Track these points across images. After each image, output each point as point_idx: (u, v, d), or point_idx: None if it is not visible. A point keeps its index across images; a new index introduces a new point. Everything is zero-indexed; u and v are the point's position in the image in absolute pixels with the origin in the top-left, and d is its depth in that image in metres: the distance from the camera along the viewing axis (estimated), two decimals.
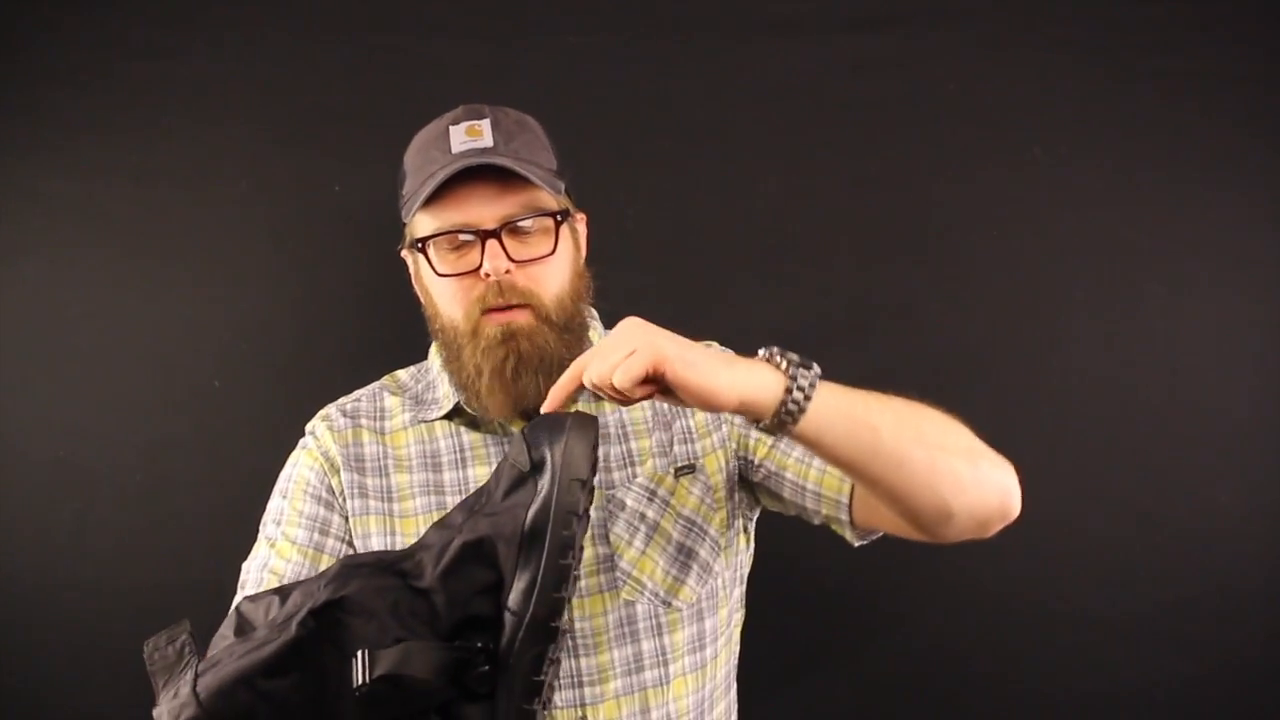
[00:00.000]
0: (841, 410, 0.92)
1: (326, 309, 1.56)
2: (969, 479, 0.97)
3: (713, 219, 1.57)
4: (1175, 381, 1.56)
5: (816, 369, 0.91)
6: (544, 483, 0.84)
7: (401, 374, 1.23)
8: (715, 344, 1.20)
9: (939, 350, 1.57)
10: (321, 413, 1.18)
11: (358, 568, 0.84)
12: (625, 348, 0.89)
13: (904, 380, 1.56)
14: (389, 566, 0.85)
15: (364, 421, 1.16)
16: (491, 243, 1.06)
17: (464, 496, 1.10)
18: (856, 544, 1.13)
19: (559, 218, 1.09)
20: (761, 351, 0.93)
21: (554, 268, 1.09)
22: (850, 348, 1.58)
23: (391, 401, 1.18)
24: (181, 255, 1.55)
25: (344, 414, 1.17)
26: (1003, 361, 1.57)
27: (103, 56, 1.55)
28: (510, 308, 1.07)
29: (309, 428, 1.17)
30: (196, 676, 0.79)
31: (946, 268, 1.58)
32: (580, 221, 1.19)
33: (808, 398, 0.90)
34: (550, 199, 1.09)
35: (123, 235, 1.55)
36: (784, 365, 0.91)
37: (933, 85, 1.58)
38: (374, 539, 1.09)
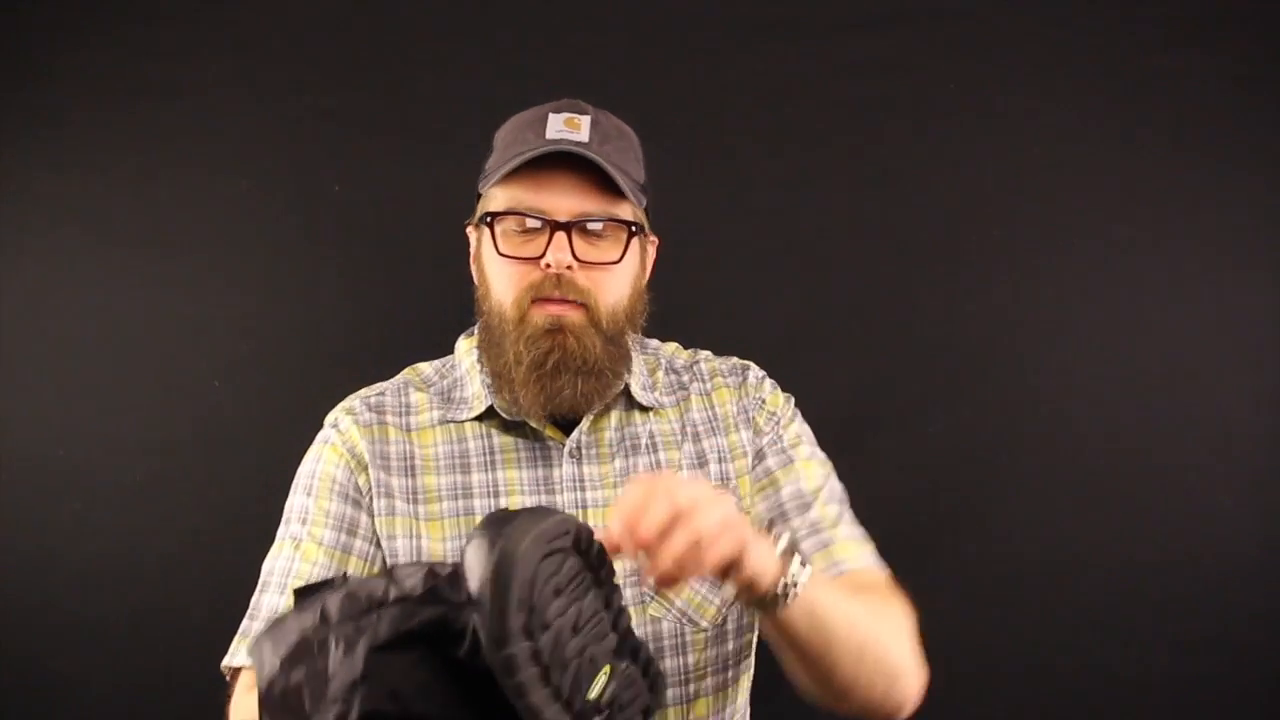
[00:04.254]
0: (814, 611, 0.90)
1: (326, 309, 1.55)
2: (877, 696, 0.98)
3: (712, 219, 1.57)
4: (1175, 381, 1.56)
5: (809, 568, 0.90)
6: (468, 637, 0.72)
7: (424, 367, 1.19)
8: (755, 368, 1.19)
9: (939, 350, 1.57)
10: (344, 404, 1.14)
11: (390, 652, 0.79)
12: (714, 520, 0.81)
13: (904, 380, 1.58)
14: (421, 636, 0.80)
15: (389, 418, 1.12)
16: (559, 235, 1.03)
17: (492, 499, 1.08)
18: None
19: (633, 229, 1.07)
20: (772, 530, 0.90)
21: (616, 277, 1.07)
22: (850, 348, 1.58)
23: (417, 397, 1.14)
24: (181, 255, 1.55)
25: (369, 407, 1.12)
26: (1002, 362, 1.57)
27: (103, 57, 1.55)
28: (564, 302, 1.05)
29: (331, 420, 1.13)
30: None
31: (946, 268, 1.58)
32: (652, 244, 1.17)
33: (796, 594, 0.88)
34: (629, 209, 1.07)
35: (123, 235, 1.55)
36: (786, 553, 0.89)
37: (933, 85, 1.58)
38: (399, 541, 1.06)
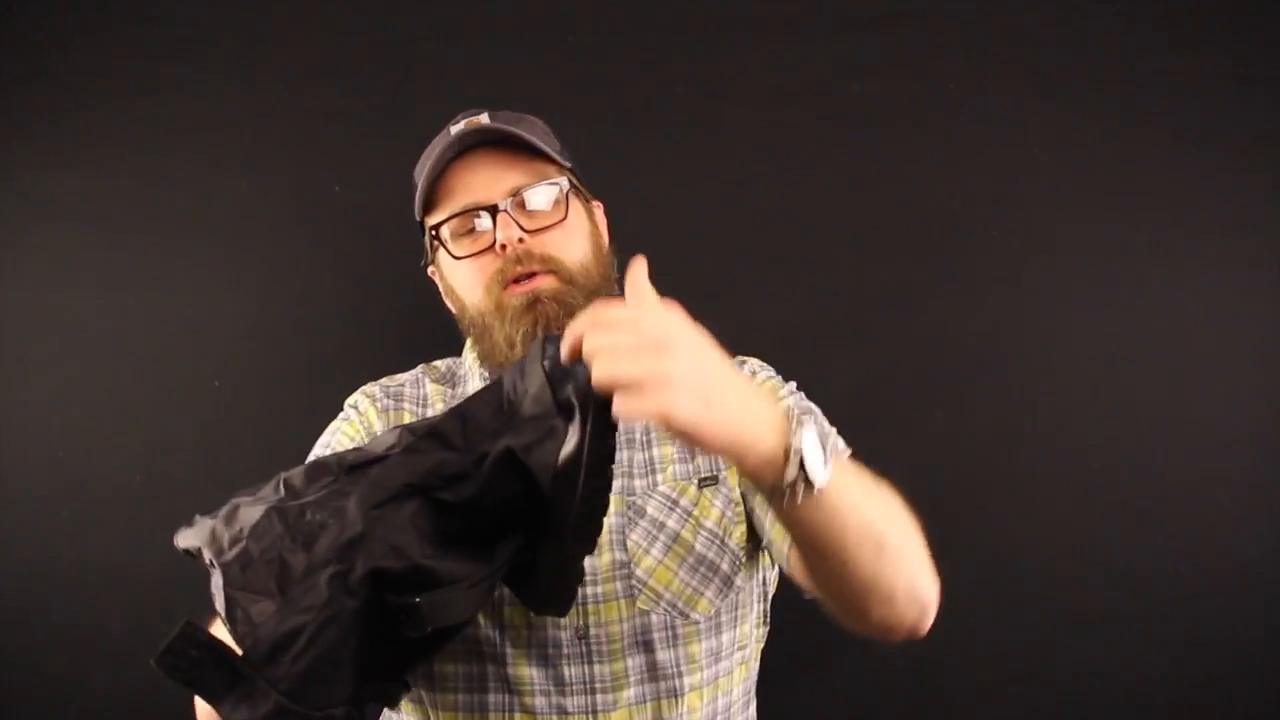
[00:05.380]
0: (827, 507, 0.84)
1: (326, 309, 1.56)
2: (901, 595, 0.92)
3: (712, 219, 1.57)
4: (1175, 381, 1.56)
5: (827, 469, 0.82)
6: (572, 435, 0.77)
7: (439, 363, 1.22)
8: (754, 361, 1.20)
9: (939, 350, 1.57)
10: (364, 389, 1.17)
11: (385, 508, 0.78)
12: (637, 364, 0.77)
13: (904, 380, 1.58)
14: (419, 487, 0.79)
15: (407, 405, 1.15)
16: (501, 215, 1.06)
17: None
18: (806, 595, 1.06)
19: (566, 184, 1.10)
20: (788, 409, 0.83)
21: (570, 235, 1.09)
22: (850, 348, 1.58)
23: (433, 389, 1.17)
24: (181, 255, 1.55)
25: (388, 394, 1.16)
26: (1003, 361, 1.57)
27: (103, 57, 1.55)
28: (532, 275, 1.07)
29: (351, 402, 1.16)
30: (263, 677, 0.75)
31: (946, 267, 1.58)
32: (598, 208, 1.19)
33: (808, 493, 0.82)
34: (554, 170, 1.10)
35: (123, 235, 1.55)
36: (793, 447, 0.81)
37: (933, 85, 1.58)
38: None
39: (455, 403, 1.14)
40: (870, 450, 1.55)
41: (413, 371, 1.21)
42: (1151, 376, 1.56)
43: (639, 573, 1.07)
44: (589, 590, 1.06)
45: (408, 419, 1.14)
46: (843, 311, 1.58)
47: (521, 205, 1.07)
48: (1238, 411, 1.56)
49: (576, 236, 1.10)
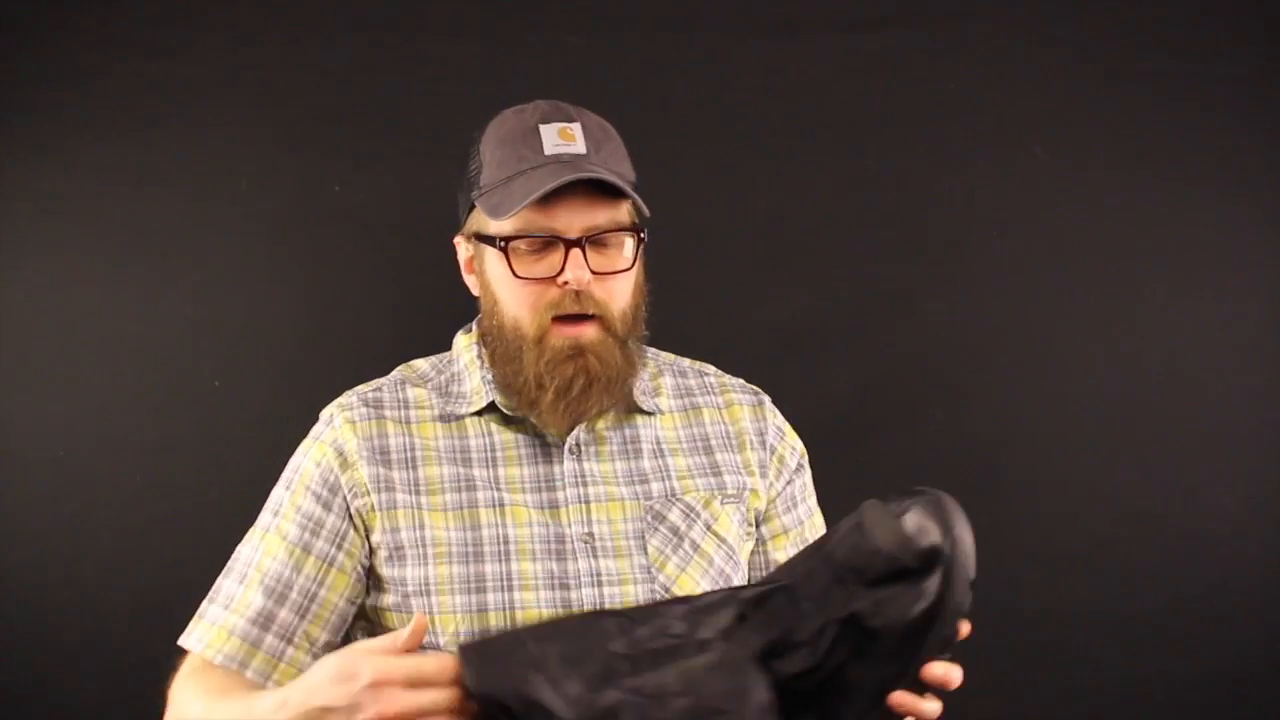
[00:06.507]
0: None
1: (326, 308, 1.56)
2: None
3: (712, 219, 1.58)
4: (1175, 381, 1.56)
5: None
6: (933, 582, 0.82)
7: (420, 364, 1.19)
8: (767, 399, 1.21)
9: (939, 350, 1.57)
10: (341, 400, 1.13)
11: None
12: None
13: (904, 379, 1.58)
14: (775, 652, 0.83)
15: (388, 412, 1.12)
16: (575, 252, 1.04)
17: (494, 492, 1.08)
18: None
19: (641, 235, 1.10)
20: None
21: (627, 282, 1.09)
22: (850, 347, 1.58)
23: (415, 393, 1.14)
24: (181, 255, 1.55)
25: (365, 403, 1.12)
26: (1003, 361, 1.57)
27: (103, 56, 1.55)
28: (582, 319, 1.06)
29: (325, 415, 1.13)
30: None
31: (946, 267, 1.58)
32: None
33: None
34: (629, 213, 1.09)
35: (123, 235, 1.54)
36: None
37: (933, 85, 1.58)
38: (402, 532, 1.06)
39: (447, 402, 1.13)
40: (870, 450, 1.56)
41: (391, 375, 1.18)
42: (1151, 376, 1.56)
43: (661, 578, 1.07)
44: (607, 590, 1.05)
45: (390, 427, 1.11)
46: (843, 311, 1.58)
47: (593, 244, 1.06)
48: (1238, 411, 1.56)
49: (631, 286, 1.10)
